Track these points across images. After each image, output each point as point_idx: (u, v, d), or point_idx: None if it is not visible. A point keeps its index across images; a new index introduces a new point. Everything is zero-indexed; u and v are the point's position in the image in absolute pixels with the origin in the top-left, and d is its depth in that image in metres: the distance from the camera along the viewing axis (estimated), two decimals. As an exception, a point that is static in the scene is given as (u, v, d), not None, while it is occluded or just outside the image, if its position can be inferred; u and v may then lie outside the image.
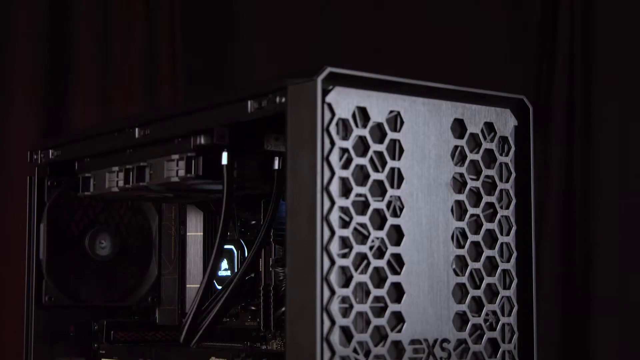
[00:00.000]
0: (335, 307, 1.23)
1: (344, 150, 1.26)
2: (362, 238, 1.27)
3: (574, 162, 2.09)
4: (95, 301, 1.84)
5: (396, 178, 1.31)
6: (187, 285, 1.86)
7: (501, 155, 1.42)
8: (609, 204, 1.97)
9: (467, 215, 1.38)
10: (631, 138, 2.06)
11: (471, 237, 1.38)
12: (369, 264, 1.27)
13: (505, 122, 1.43)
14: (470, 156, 1.39)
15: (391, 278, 1.29)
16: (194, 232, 1.86)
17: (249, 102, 1.36)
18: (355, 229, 1.26)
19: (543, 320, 1.56)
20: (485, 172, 1.40)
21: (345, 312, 1.25)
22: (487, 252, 1.39)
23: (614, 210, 1.97)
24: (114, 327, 1.85)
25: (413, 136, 1.33)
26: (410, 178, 1.32)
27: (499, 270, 1.40)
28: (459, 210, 1.38)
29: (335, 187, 1.25)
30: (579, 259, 1.98)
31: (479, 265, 1.38)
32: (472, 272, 1.38)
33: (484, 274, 1.39)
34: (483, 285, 1.38)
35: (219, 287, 1.70)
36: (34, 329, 1.79)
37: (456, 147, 1.38)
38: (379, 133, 1.30)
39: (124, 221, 1.89)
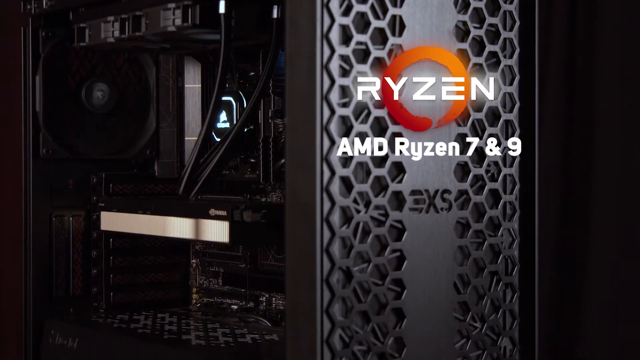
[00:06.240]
0: (335, 157, 1.22)
1: (344, -3, 1.23)
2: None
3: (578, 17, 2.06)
4: (93, 154, 1.84)
5: (397, 26, 1.28)
6: (186, 138, 1.85)
7: (505, 3, 1.39)
8: (611, 72, 1.94)
9: (470, 64, 1.35)
10: (634, 7, 2.01)
11: (474, 87, 1.36)
12: (369, 113, 1.25)
13: (510, -32, 1.39)
14: (474, 3, 1.35)
15: (392, 128, 1.27)
16: (192, 84, 1.84)
17: (247, -53, 1.33)
18: (355, 77, 1.24)
19: (544, 171, 1.55)
20: (489, 20, 1.37)
21: (345, 163, 1.23)
22: (489, 103, 1.37)
23: (615, 78, 1.94)
24: (113, 180, 1.85)
25: (415, -18, 1.30)
26: (412, 26, 1.29)
27: (501, 121, 1.38)
28: (462, 58, 1.34)
29: (335, 35, 1.22)
30: (580, 122, 1.96)
31: (481, 115, 1.36)
32: (474, 122, 1.36)
33: (486, 124, 1.37)
34: (485, 135, 1.37)
35: (218, 139, 1.69)
36: (33, 183, 1.79)
37: (459, -7, 1.34)
38: (380, -21, 1.27)
39: (121, 73, 1.87)
